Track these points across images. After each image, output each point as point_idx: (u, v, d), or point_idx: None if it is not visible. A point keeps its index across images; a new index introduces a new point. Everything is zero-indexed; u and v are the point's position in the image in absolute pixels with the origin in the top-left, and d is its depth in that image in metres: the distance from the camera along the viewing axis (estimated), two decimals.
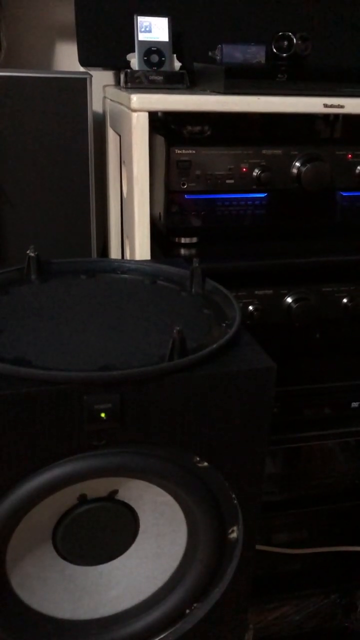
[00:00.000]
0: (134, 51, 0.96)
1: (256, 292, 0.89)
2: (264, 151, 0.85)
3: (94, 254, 0.95)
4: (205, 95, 0.82)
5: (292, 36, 0.87)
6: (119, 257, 1.13)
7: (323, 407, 0.95)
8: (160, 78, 0.92)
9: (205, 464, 0.58)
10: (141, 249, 0.84)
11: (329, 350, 1.02)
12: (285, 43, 0.88)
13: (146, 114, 0.79)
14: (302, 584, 1.06)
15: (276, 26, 1.02)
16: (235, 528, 0.62)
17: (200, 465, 0.58)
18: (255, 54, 0.97)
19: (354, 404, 0.96)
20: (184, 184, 0.84)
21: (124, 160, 0.92)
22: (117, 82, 1.11)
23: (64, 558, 0.61)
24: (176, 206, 0.86)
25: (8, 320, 0.61)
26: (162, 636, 0.65)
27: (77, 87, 0.88)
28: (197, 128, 0.87)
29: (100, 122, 1.13)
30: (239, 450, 0.59)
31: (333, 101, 0.83)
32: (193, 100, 0.80)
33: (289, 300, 0.90)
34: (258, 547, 0.92)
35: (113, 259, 1.00)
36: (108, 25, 1.03)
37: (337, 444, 1.06)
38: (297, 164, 0.87)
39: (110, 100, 1.04)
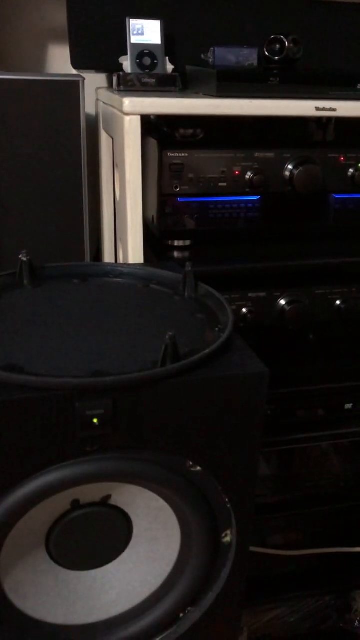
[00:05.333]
0: (126, 54, 0.96)
1: (249, 294, 0.89)
2: (256, 154, 0.86)
3: (87, 258, 0.95)
4: (197, 98, 0.82)
5: (284, 39, 0.87)
6: (113, 260, 1.13)
7: (316, 409, 0.95)
8: (152, 81, 0.92)
9: (198, 468, 0.58)
10: (134, 252, 0.84)
11: (322, 352, 1.02)
12: (278, 46, 0.88)
13: (139, 118, 0.79)
14: (297, 586, 1.06)
15: (268, 29, 1.02)
16: (228, 532, 0.63)
17: (193, 469, 0.58)
18: (247, 56, 0.97)
19: (347, 406, 0.96)
20: (176, 187, 0.84)
21: (117, 163, 0.92)
22: (110, 85, 1.11)
23: (58, 563, 0.61)
24: (169, 209, 0.86)
25: (0, 326, 0.61)
26: None
27: (70, 90, 0.88)
28: (190, 131, 0.87)
29: (93, 125, 1.13)
30: (232, 455, 0.59)
31: (325, 104, 0.83)
32: (185, 104, 0.80)
33: (283, 302, 0.91)
34: (252, 549, 0.92)
35: (106, 263, 1.00)
36: (100, 28, 1.03)
37: (331, 446, 1.07)
38: (290, 166, 0.87)
39: (103, 103, 1.04)
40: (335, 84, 0.85)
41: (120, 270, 0.76)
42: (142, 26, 0.96)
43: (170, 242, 0.91)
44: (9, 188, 0.88)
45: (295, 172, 0.86)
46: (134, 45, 0.96)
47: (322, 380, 0.95)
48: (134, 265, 0.80)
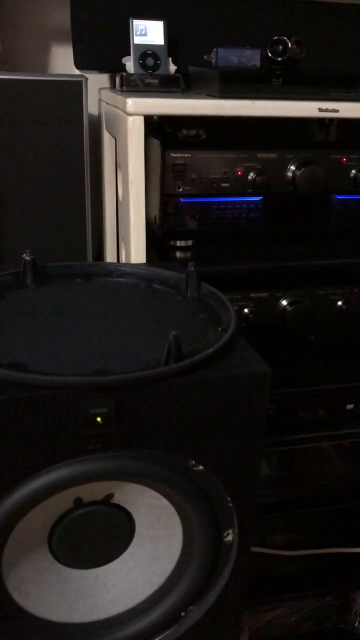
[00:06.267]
0: (129, 54, 0.97)
1: (251, 294, 0.90)
2: (259, 155, 0.86)
3: (90, 258, 0.95)
4: (200, 99, 0.82)
5: (287, 40, 0.87)
6: (115, 260, 1.13)
7: (318, 410, 0.96)
8: (155, 81, 0.93)
9: (201, 467, 0.58)
10: (137, 252, 0.84)
11: (324, 352, 1.03)
12: (280, 47, 0.88)
13: (142, 118, 0.79)
14: (297, 586, 1.06)
15: (271, 30, 1.02)
16: (230, 531, 0.63)
17: (195, 468, 0.58)
18: (250, 57, 0.97)
19: (349, 406, 0.96)
20: (179, 187, 0.85)
21: (120, 164, 0.92)
22: (113, 85, 1.11)
23: (60, 561, 0.61)
24: (172, 209, 0.86)
25: (3, 325, 0.61)
26: (157, 639, 0.65)
27: (73, 90, 0.88)
28: (193, 132, 0.87)
29: (95, 125, 1.13)
30: (234, 454, 0.59)
31: (327, 105, 0.83)
32: (188, 104, 0.80)
33: (284, 303, 0.91)
34: (253, 549, 0.92)
35: (108, 263, 1.00)
36: (103, 29, 1.03)
37: (332, 446, 1.07)
38: (292, 167, 0.87)
39: (106, 103, 1.04)
40: (338, 85, 0.86)
41: (123, 270, 0.76)
42: (145, 27, 0.96)
43: (172, 242, 0.91)
44: (12, 187, 0.89)
45: (298, 172, 0.86)
46: (137, 46, 0.96)
47: (324, 381, 0.95)
48: (137, 265, 0.80)
